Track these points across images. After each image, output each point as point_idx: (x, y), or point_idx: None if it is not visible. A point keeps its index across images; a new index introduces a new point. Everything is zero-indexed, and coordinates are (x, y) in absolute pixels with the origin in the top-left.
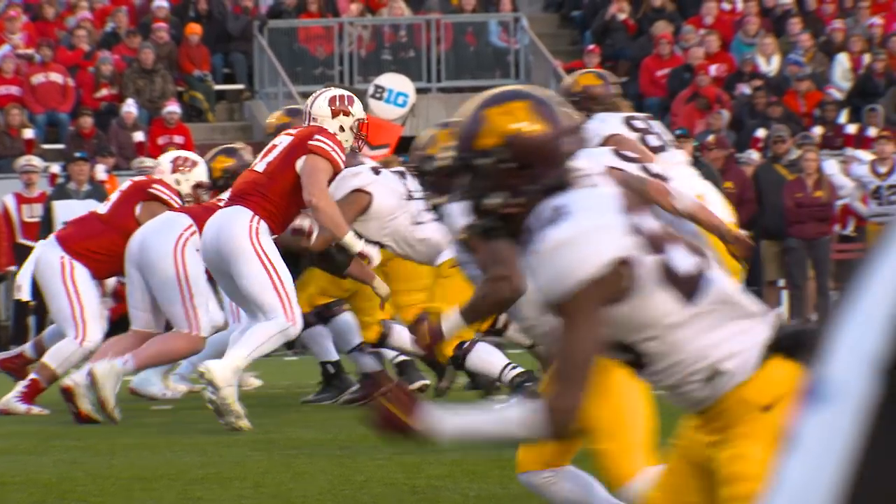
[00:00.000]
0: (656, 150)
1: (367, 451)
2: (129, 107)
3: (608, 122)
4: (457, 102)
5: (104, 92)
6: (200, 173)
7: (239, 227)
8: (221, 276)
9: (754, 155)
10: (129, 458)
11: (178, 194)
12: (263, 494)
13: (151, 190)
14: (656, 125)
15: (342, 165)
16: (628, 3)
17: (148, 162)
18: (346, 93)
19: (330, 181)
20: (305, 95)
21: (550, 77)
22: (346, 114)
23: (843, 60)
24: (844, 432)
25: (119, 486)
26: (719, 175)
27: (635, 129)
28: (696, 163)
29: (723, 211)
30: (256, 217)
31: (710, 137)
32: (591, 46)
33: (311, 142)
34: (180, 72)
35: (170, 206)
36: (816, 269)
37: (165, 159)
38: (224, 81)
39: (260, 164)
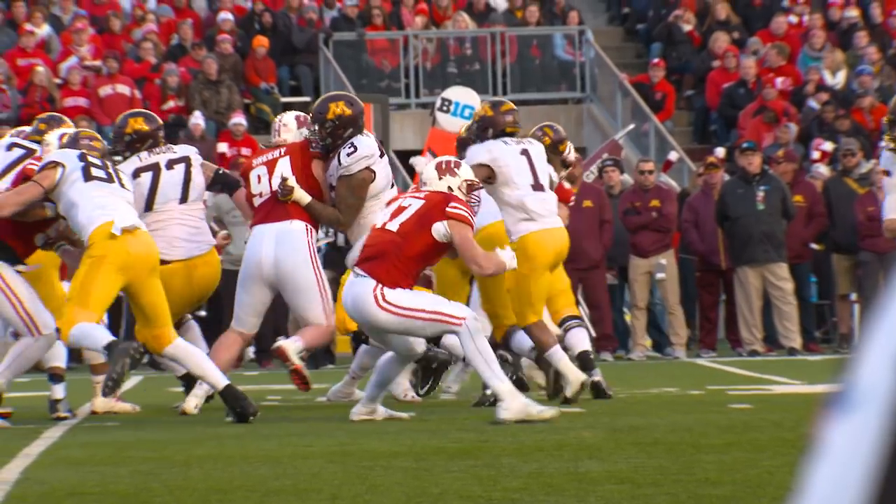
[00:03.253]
0: None
1: (442, 464)
2: (197, 119)
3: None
4: (523, 115)
5: (171, 104)
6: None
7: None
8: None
9: (822, 169)
10: (204, 469)
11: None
12: None
13: None
14: None
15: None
16: (694, 15)
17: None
18: (452, 158)
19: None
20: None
21: (616, 90)
22: (453, 175)
23: None
24: (872, 438)
25: (196, 497)
26: (788, 189)
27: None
28: (765, 176)
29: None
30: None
31: (779, 151)
32: (656, 60)
33: (448, 209)
34: (247, 84)
35: None
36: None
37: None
38: (290, 94)
39: (392, 224)
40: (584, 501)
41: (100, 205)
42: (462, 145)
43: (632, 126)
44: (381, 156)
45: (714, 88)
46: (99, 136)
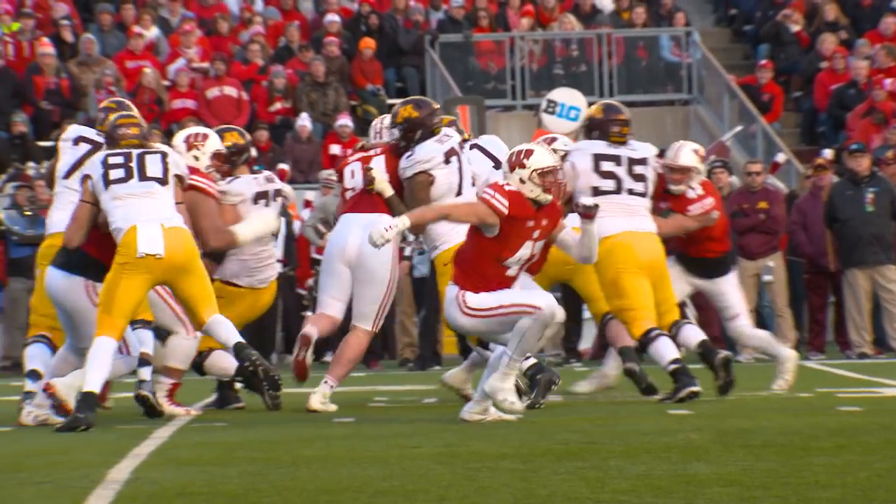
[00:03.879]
0: None
1: (550, 466)
2: (304, 120)
3: None
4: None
5: (278, 106)
6: (214, 144)
7: None
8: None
9: None
10: (312, 469)
11: (198, 171)
12: None
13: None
14: None
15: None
16: (802, 16)
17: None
18: (524, 147)
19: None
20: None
21: (723, 92)
22: (522, 167)
23: None
24: None
25: (304, 497)
26: None
27: None
28: (874, 178)
29: None
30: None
31: (888, 153)
32: (764, 61)
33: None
34: (353, 86)
35: (206, 193)
36: None
37: (179, 140)
38: (397, 95)
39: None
40: None
41: (122, 216)
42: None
43: (739, 128)
44: (447, 162)
45: (822, 90)
46: (137, 118)
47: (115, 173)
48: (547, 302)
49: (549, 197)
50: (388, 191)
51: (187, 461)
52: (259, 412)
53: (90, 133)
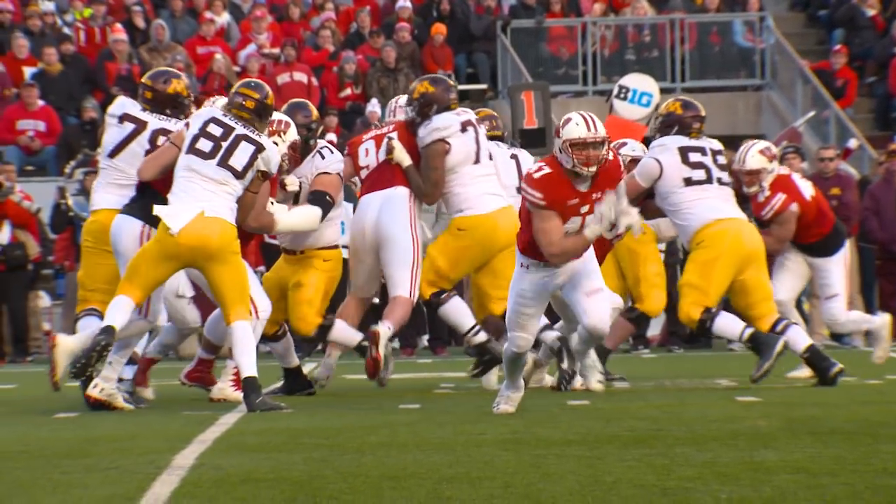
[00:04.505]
0: None
1: (615, 452)
2: (374, 106)
3: None
4: (702, 102)
5: (348, 91)
6: (294, 134)
7: None
8: None
9: None
10: (377, 456)
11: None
12: (513, 494)
13: None
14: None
15: None
16: (877, 0)
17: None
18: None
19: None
20: (552, 95)
21: (797, 77)
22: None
23: None
24: None
25: (369, 484)
26: None
27: None
28: None
29: None
30: None
31: None
32: (838, 46)
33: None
34: (424, 71)
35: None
36: None
37: None
38: (467, 81)
39: None
40: (759, 491)
41: (180, 188)
42: (646, 141)
43: (812, 113)
44: (463, 131)
45: None
46: (259, 98)
47: (204, 144)
48: (522, 339)
49: (590, 169)
50: (406, 160)
51: (252, 448)
52: (325, 398)
53: (135, 110)
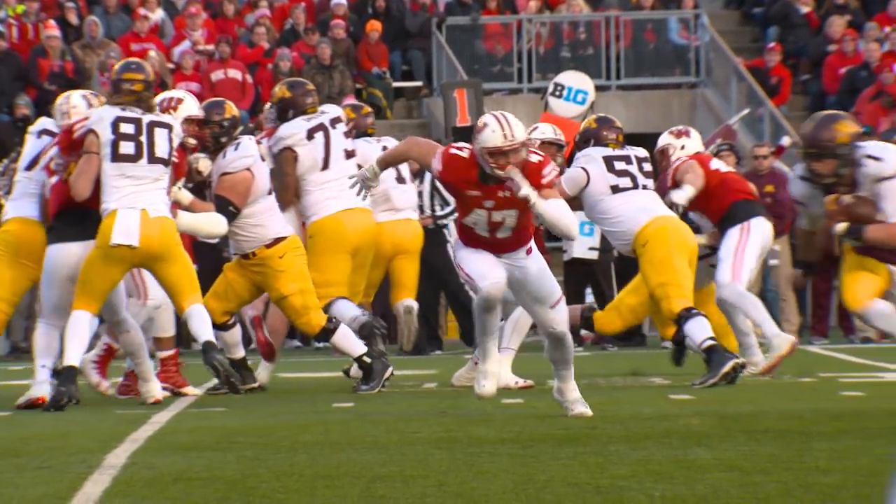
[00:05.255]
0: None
1: (549, 451)
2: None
3: None
4: (636, 100)
5: None
6: (188, 109)
7: None
8: None
9: None
10: (311, 455)
11: None
12: (446, 493)
13: None
14: None
15: None
16: None
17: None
18: None
19: None
20: (485, 93)
21: (731, 75)
22: None
23: None
24: None
25: (303, 483)
26: None
27: None
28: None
29: None
30: None
31: None
32: (772, 44)
33: None
34: (359, 69)
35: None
36: None
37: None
38: (402, 78)
39: None
40: (693, 489)
41: (115, 197)
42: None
43: (746, 111)
44: (310, 138)
45: (831, 72)
46: (144, 74)
47: (126, 147)
48: (489, 283)
49: (504, 173)
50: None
51: (185, 446)
52: (259, 396)
53: (54, 126)
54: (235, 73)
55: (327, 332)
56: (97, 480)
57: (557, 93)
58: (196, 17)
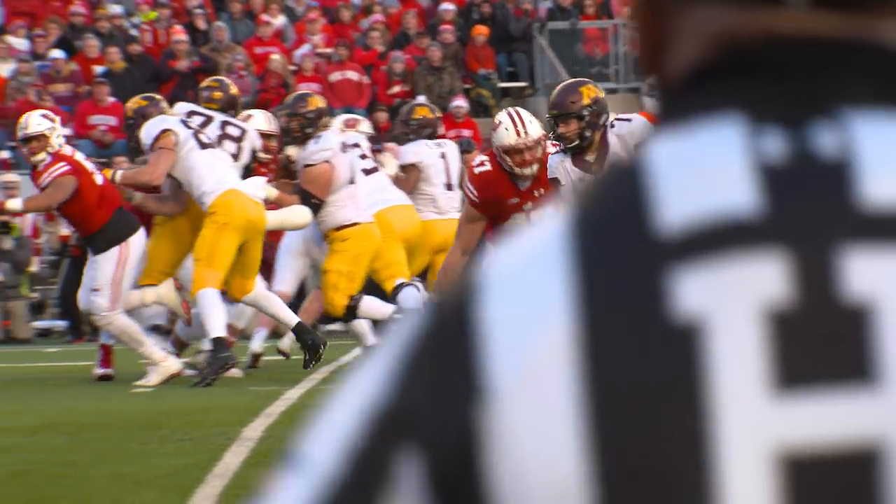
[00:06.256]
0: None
1: None
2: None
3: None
4: None
5: (396, 89)
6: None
7: None
8: None
9: None
10: None
11: None
12: None
13: None
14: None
15: None
16: None
17: None
18: None
19: None
20: None
21: None
22: None
23: None
24: None
25: None
26: None
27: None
28: None
29: None
30: None
31: None
32: None
33: None
34: (467, 70)
35: None
36: None
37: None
38: (508, 79)
39: None
40: None
41: (216, 178)
42: None
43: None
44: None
45: None
46: (222, 83)
47: (206, 137)
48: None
49: (527, 171)
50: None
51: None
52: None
53: (197, 108)
54: (352, 75)
55: (351, 311)
56: (236, 452)
57: (653, 93)
58: (315, 22)
